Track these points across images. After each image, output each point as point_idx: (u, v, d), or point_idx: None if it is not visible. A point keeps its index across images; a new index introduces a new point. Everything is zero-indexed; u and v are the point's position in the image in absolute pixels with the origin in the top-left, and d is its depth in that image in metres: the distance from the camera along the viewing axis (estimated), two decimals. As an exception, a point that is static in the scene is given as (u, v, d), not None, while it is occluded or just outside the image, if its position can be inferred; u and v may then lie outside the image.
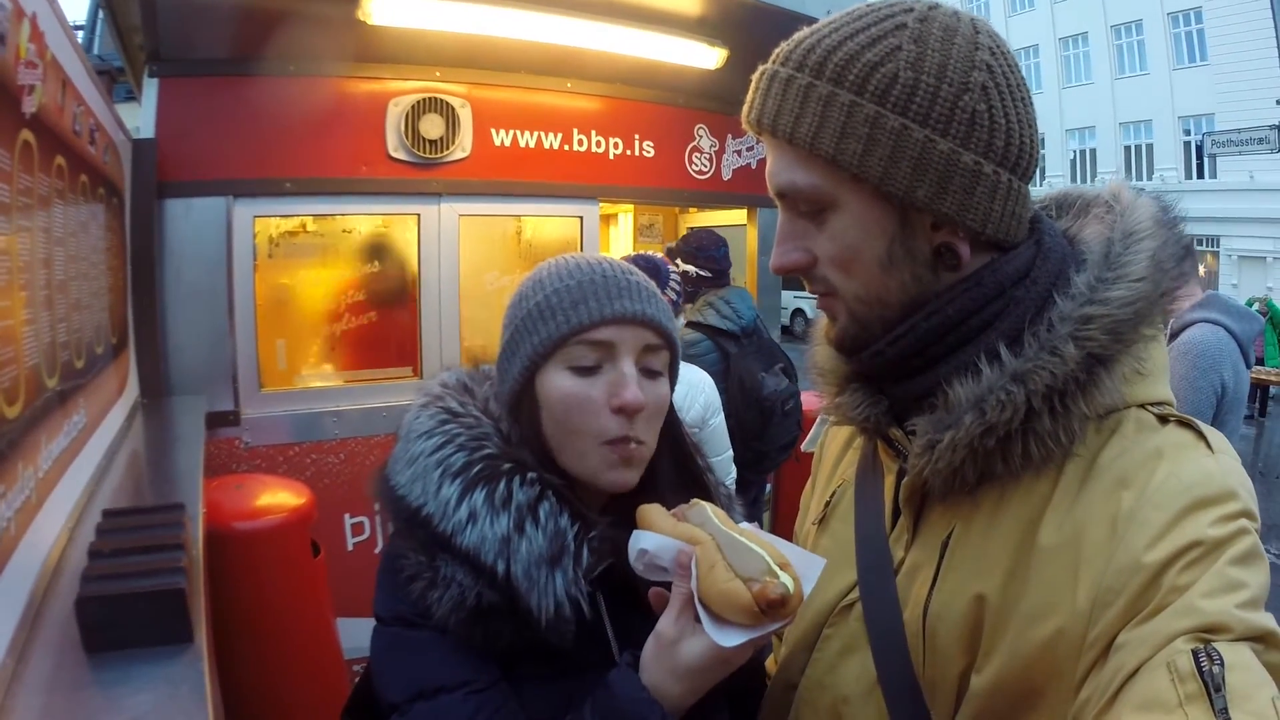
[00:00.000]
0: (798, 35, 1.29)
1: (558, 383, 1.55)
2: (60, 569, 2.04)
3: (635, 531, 1.43)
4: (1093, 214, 1.38)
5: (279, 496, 3.65)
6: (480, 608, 1.43)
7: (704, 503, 1.44)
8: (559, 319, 1.55)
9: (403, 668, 1.50)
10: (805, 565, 1.28)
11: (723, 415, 4.76)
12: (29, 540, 1.86)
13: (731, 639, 1.21)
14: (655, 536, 1.38)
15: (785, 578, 1.20)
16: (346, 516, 4.98)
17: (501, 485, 1.48)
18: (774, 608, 1.18)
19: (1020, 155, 1.25)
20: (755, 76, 1.33)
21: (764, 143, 1.35)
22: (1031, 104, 1.28)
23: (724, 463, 4.80)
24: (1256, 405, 14.42)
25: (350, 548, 4.97)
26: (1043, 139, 42.69)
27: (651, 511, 1.45)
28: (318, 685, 3.59)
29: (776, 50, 1.31)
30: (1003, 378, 1.17)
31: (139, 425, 3.77)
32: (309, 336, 5.24)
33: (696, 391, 4.58)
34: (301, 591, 3.57)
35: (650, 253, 5.33)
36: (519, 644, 1.45)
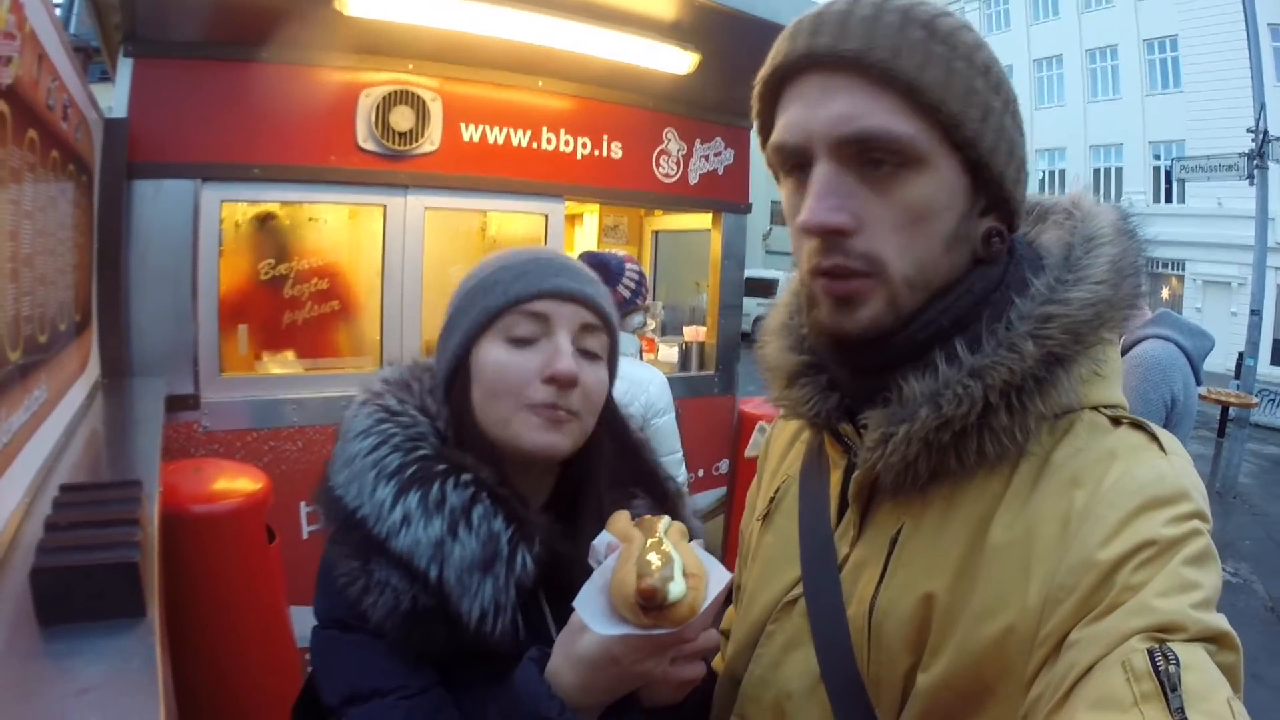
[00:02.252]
0: None
1: (493, 354, 1.55)
2: (16, 542, 2.03)
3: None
4: (1051, 220, 1.37)
5: (236, 481, 3.65)
6: (415, 612, 1.43)
7: (668, 518, 1.42)
8: (498, 292, 1.56)
9: (338, 671, 1.50)
10: (718, 584, 1.28)
11: (672, 415, 4.71)
12: (-13, 513, 1.86)
13: (608, 628, 1.23)
14: (604, 534, 1.40)
15: (680, 584, 1.20)
16: (302, 505, 4.97)
17: (435, 487, 1.47)
18: (649, 601, 1.18)
19: None
20: (827, 10, 1.19)
21: (819, 79, 1.18)
22: None
23: (673, 462, 4.75)
24: (1216, 426, 14.53)
25: (305, 535, 4.95)
26: (1013, 158, 43.24)
27: (616, 516, 1.45)
28: (269, 670, 3.58)
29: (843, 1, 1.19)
30: (959, 373, 1.17)
31: (99, 404, 3.75)
32: (271, 323, 5.24)
33: (639, 389, 4.51)
34: (255, 577, 3.56)
35: (602, 250, 5.35)
36: (457, 647, 1.45)
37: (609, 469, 1.71)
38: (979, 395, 1.14)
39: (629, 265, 4.86)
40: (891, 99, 1.14)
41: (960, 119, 1.15)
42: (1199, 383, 4.67)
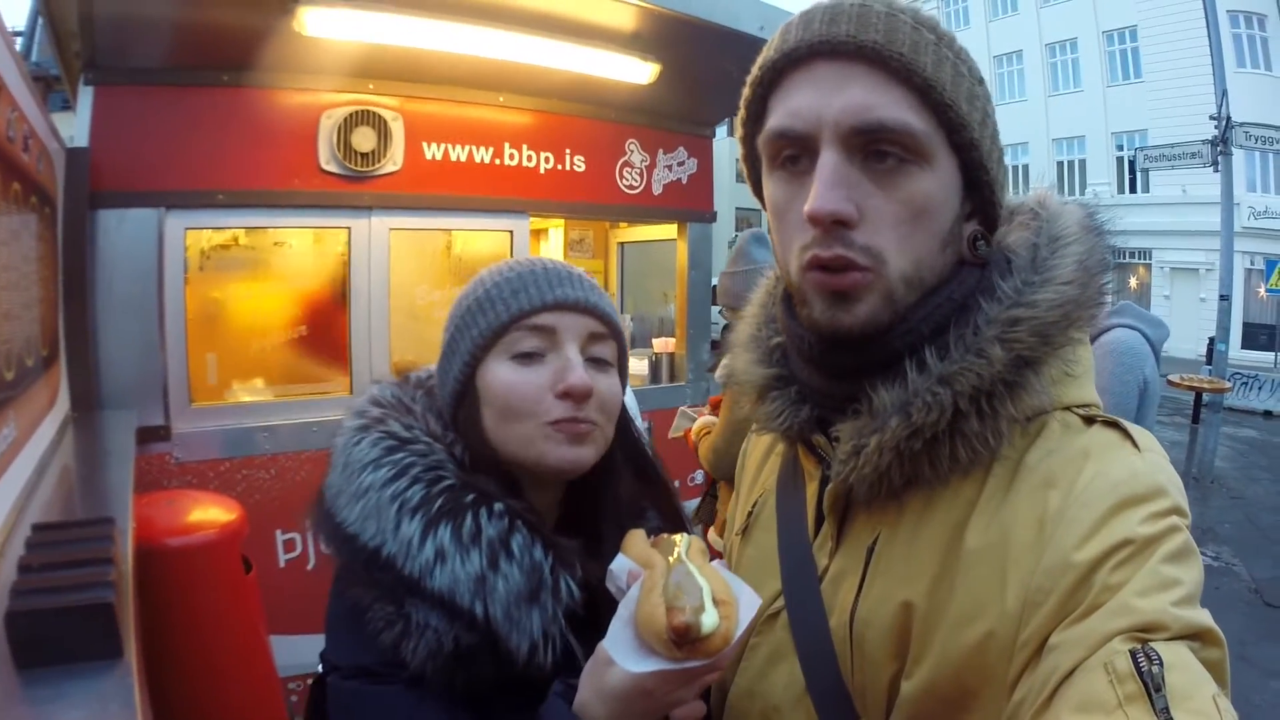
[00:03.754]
0: None
1: (500, 374, 1.49)
2: (-9, 584, 2.02)
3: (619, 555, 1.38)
4: (1017, 221, 1.34)
5: (210, 512, 3.60)
6: (459, 652, 1.35)
7: (687, 536, 1.37)
8: (499, 308, 1.51)
9: None
10: (749, 608, 1.22)
11: (643, 429, 4.59)
12: (-41, 556, 1.84)
13: (640, 664, 1.17)
14: (622, 559, 1.36)
15: (712, 615, 1.15)
16: (278, 533, 4.95)
17: (468, 519, 1.40)
18: (683, 638, 1.12)
19: None
20: (842, 2, 1.18)
21: (831, 68, 1.17)
22: None
23: None
24: (1190, 413, 14.62)
25: (282, 564, 4.93)
26: (977, 154, 43.50)
27: (632, 536, 1.41)
28: (252, 703, 3.55)
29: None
30: (929, 380, 1.16)
31: (70, 439, 3.71)
32: (239, 351, 5.20)
33: None
34: (234, 608, 3.53)
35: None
36: (499, 682, 1.37)
37: (626, 483, 1.68)
38: (948, 402, 1.13)
39: (588, 278, 4.83)
40: (906, 93, 1.14)
41: (967, 120, 1.16)
42: (1159, 371, 4.90)
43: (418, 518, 1.39)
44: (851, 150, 1.15)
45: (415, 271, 5.57)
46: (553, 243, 8.88)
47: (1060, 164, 40.18)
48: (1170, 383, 12.76)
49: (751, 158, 1.35)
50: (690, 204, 6.77)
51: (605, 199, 6.26)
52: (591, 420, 1.51)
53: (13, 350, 2.68)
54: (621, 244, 8.63)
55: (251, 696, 3.58)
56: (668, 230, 7.12)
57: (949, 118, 1.15)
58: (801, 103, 1.18)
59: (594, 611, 1.40)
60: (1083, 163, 39.28)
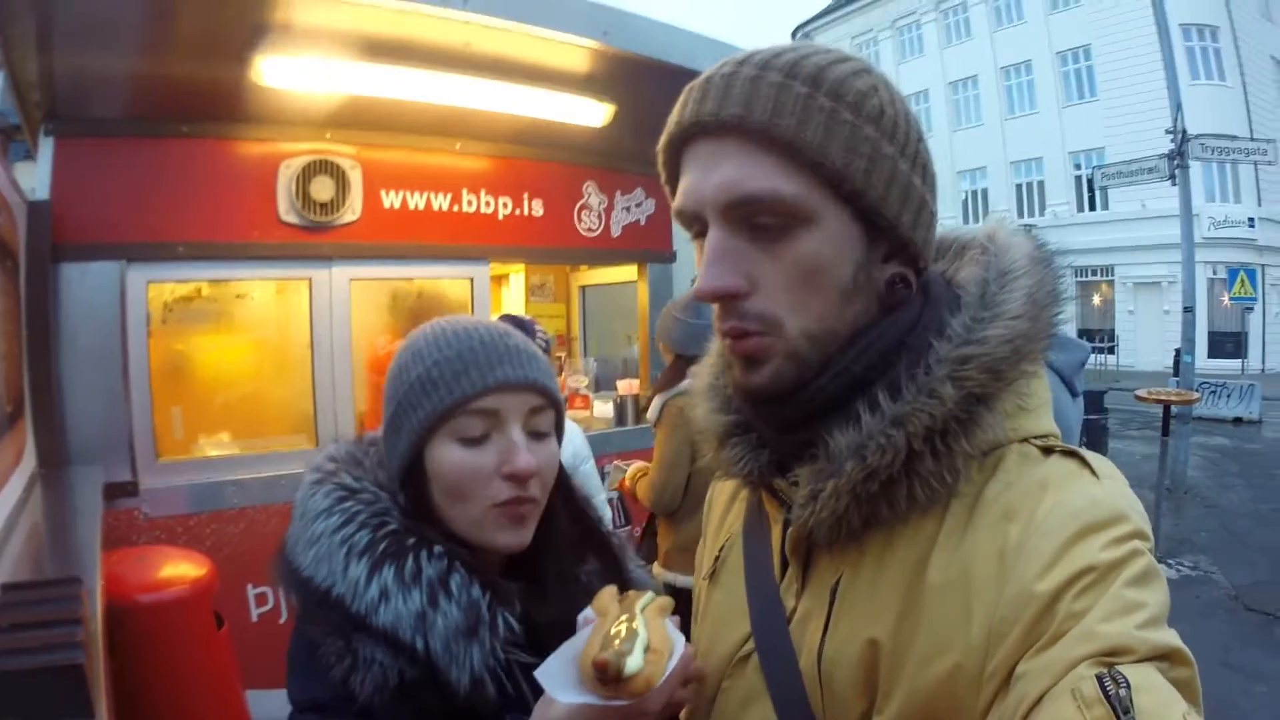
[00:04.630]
0: (754, 51, 1.21)
1: (447, 455, 1.53)
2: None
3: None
4: (968, 256, 1.35)
5: (181, 568, 3.60)
6: (403, 685, 1.42)
7: (651, 595, 1.45)
8: (441, 392, 1.53)
9: None
10: (677, 658, 1.30)
11: (592, 462, 4.98)
12: (-69, 616, 1.85)
13: (570, 696, 1.25)
14: (587, 609, 1.43)
15: (637, 659, 1.23)
16: (249, 587, 4.93)
17: (409, 560, 1.47)
18: (603, 674, 1.21)
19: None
20: (713, 78, 1.20)
21: (708, 146, 1.20)
22: None
23: (599, 504, 4.73)
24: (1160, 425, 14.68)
25: (255, 619, 4.90)
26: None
27: (602, 592, 1.46)
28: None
29: (733, 58, 1.21)
30: (882, 423, 1.15)
31: (37, 496, 3.70)
32: (205, 404, 5.20)
33: (566, 440, 4.43)
34: (207, 664, 3.52)
35: (517, 314, 5.41)
36: (445, 715, 1.43)
37: (564, 534, 1.73)
38: (902, 444, 1.13)
39: (537, 325, 5.00)
40: (775, 160, 1.14)
41: (843, 173, 1.14)
42: (1075, 393, 4.71)
43: (364, 560, 1.46)
44: (735, 223, 1.17)
45: (377, 320, 5.59)
46: (514, 288, 8.86)
47: (1019, 186, 40.57)
48: (1138, 397, 12.79)
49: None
50: (649, 244, 6.83)
51: (564, 242, 6.29)
52: (533, 498, 1.57)
53: (-22, 408, 2.68)
54: (583, 287, 8.64)
55: (226, 751, 3.56)
56: (628, 272, 7.16)
57: (823, 173, 1.14)
58: (688, 183, 1.22)
59: (541, 652, 1.41)
60: (1041, 184, 39.64)
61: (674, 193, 1.30)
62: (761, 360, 1.21)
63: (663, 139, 1.28)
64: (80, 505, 3.66)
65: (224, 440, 5.23)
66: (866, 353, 1.21)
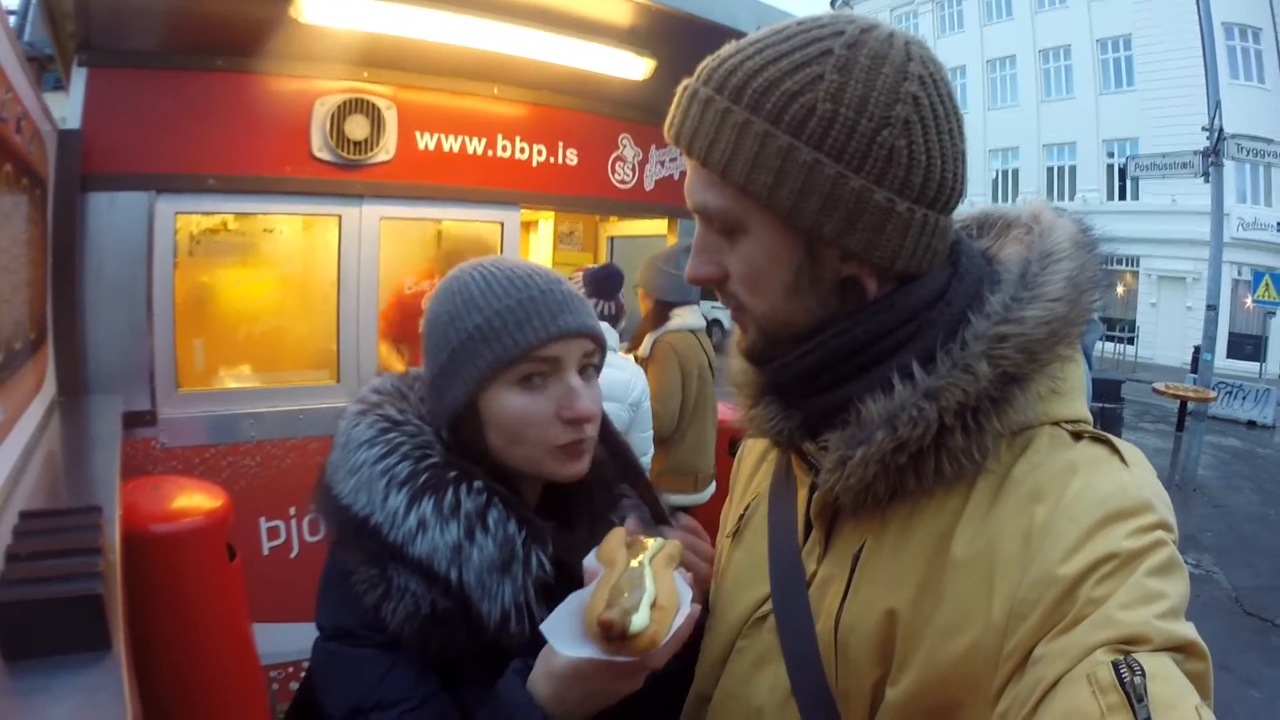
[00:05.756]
0: (723, 51, 1.26)
1: (507, 401, 1.57)
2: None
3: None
4: (1012, 234, 1.37)
5: (195, 499, 3.60)
6: (435, 615, 1.46)
7: (661, 540, 1.45)
8: (506, 342, 1.56)
9: (341, 684, 1.51)
10: (684, 616, 1.30)
11: (649, 399, 5.38)
12: (-53, 541, 1.83)
13: (573, 649, 1.26)
14: (591, 555, 1.44)
15: (642, 616, 1.23)
16: (262, 520, 4.93)
17: (449, 493, 1.51)
18: (608, 632, 1.22)
19: (941, 189, 1.22)
20: (679, 90, 1.29)
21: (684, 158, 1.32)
22: (960, 134, 1.25)
23: (647, 439, 5.42)
24: (1175, 421, 14.67)
25: (266, 552, 4.91)
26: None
27: (611, 534, 1.46)
28: (235, 690, 3.55)
29: (701, 65, 1.28)
30: (915, 395, 1.16)
31: (56, 423, 3.70)
32: (227, 337, 5.19)
33: (636, 378, 5.22)
34: (218, 596, 3.52)
35: (598, 266, 5.73)
36: (476, 648, 1.48)
37: (598, 470, 1.75)
38: (934, 417, 1.14)
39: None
40: (707, 175, 1.26)
41: (749, 187, 1.20)
42: (1090, 368, 4.90)
43: (404, 490, 1.51)
44: (706, 222, 1.31)
45: (405, 259, 5.56)
46: (542, 235, 8.93)
47: (1050, 169, 40.33)
48: (1156, 391, 12.81)
49: None
50: (681, 200, 6.51)
51: (597, 193, 6.26)
52: (591, 438, 1.64)
53: (2, 334, 2.68)
54: (611, 238, 8.64)
55: (233, 684, 3.57)
56: (658, 225, 7.15)
57: (744, 190, 1.21)
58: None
59: (568, 589, 1.44)
60: (1073, 169, 39.43)
61: None
62: (745, 329, 1.38)
63: None
64: (99, 434, 3.66)
65: (245, 373, 5.23)
66: (840, 337, 1.25)
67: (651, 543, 1.43)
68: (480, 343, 1.57)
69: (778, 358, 1.33)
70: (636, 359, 5.73)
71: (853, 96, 1.15)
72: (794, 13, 1.30)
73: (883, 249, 1.21)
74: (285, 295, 5.34)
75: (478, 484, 1.54)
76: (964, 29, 43.78)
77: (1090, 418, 1.25)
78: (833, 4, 48.60)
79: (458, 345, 1.60)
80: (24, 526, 2.10)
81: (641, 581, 1.30)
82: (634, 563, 1.35)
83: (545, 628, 1.30)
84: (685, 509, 3.32)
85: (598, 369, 1.70)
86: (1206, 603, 9.08)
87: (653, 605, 1.26)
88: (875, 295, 1.25)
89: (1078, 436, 1.18)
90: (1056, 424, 1.20)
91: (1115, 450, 1.16)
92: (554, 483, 1.71)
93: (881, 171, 1.17)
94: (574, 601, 1.35)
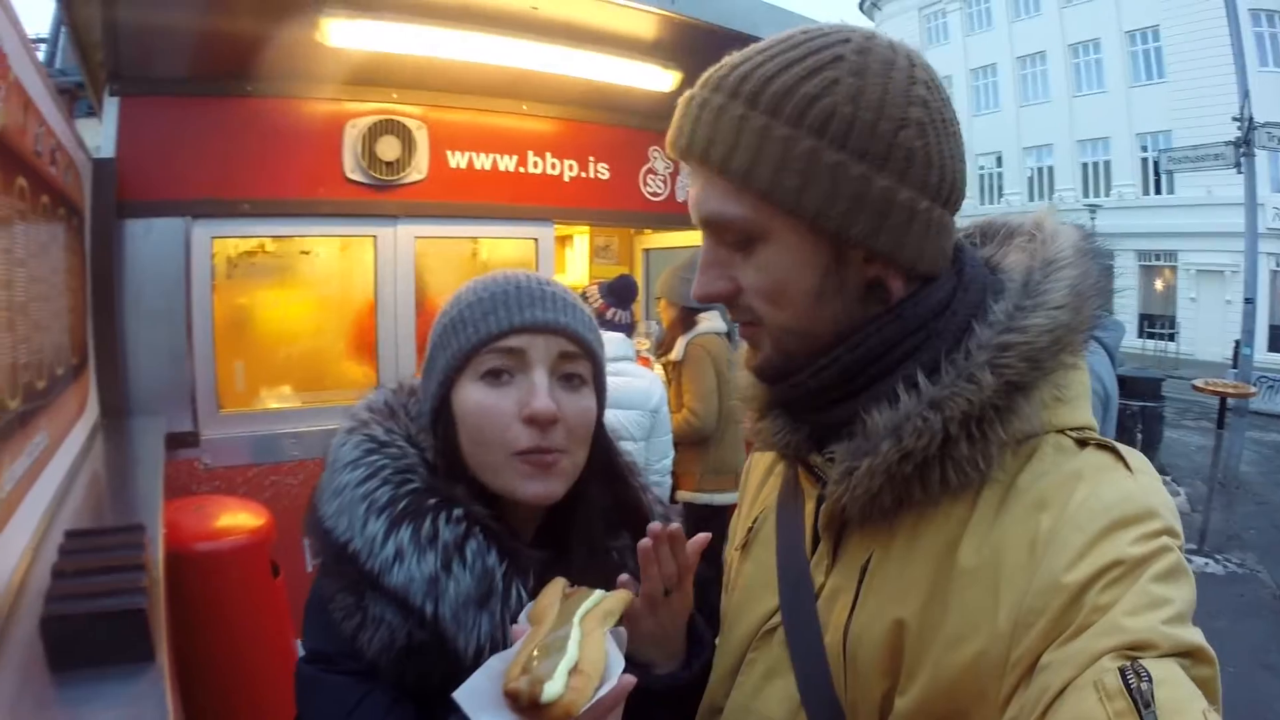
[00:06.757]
0: (729, 60, 1.25)
1: (470, 395, 1.52)
2: (25, 588, 2.06)
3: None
4: (1015, 243, 1.36)
5: (239, 518, 3.66)
6: (410, 647, 1.41)
7: (600, 593, 1.37)
8: (469, 330, 1.52)
9: (317, 709, 1.48)
10: (608, 686, 1.20)
11: (667, 407, 5.48)
12: (-6, 560, 1.88)
13: (486, 718, 1.16)
14: (523, 614, 1.37)
15: (556, 685, 1.13)
16: (306, 539, 4.93)
17: (427, 522, 1.45)
18: (514, 701, 1.14)
19: (951, 189, 1.24)
20: (682, 102, 1.27)
21: (690, 170, 1.27)
22: (960, 138, 1.27)
23: (667, 443, 5.50)
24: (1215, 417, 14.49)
25: (310, 569, 4.89)
26: (999, 157, 42.92)
27: (549, 586, 1.41)
28: (280, 704, 3.59)
29: (706, 75, 1.26)
30: (920, 405, 1.16)
31: (99, 446, 3.77)
32: (267, 358, 5.26)
33: (654, 385, 5.29)
34: (262, 612, 3.57)
35: (627, 276, 5.68)
36: (449, 680, 1.32)
37: (600, 501, 1.69)
38: (939, 427, 1.15)
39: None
40: (724, 184, 1.21)
41: (774, 192, 1.17)
42: (1116, 367, 4.97)
43: (383, 517, 1.44)
44: (714, 235, 1.26)
45: (441, 278, 5.61)
46: (578, 250, 8.92)
47: (1085, 165, 39.90)
48: (1195, 387, 12.64)
49: None
50: None
51: (629, 206, 6.31)
52: (559, 449, 1.52)
53: (44, 360, 2.73)
54: (647, 250, 8.58)
55: (279, 698, 3.60)
56: (693, 237, 7.00)
57: (772, 201, 1.18)
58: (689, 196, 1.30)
59: None
60: (1107, 164, 38.93)
61: None
62: (755, 345, 1.34)
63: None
64: (141, 455, 3.72)
65: (285, 393, 5.30)
66: (855, 351, 1.24)
67: (590, 598, 1.35)
68: (450, 334, 1.55)
69: (791, 374, 1.30)
70: (669, 363, 5.81)
71: (870, 99, 1.16)
72: (817, 20, 1.28)
73: (909, 248, 1.22)
74: (324, 315, 5.40)
75: (457, 512, 1.48)
76: (993, 26, 43.48)
77: (1095, 424, 1.25)
78: (861, 5, 48.44)
79: (435, 339, 1.60)
80: (70, 545, 2.15)
81: (564, 645, 1.21)
82: (559, 624, 1.27)
83: (460, 696, 1.19)
84: (729, 508, 3.33)
85: (586, 381, 1.61)
86: (1250, 601, 8.83)
87: (572, 671, 1.17)
88: (900, 297, 1.25)
89: (1082, 444, 1.19)
90: (1061, 431, 1.20)
91: (1120, 457, 1.16)
92: (555, 512, 1.64)
93: (903, 171, 1.18)
94: (495, 665, 1.24)
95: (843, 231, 1.18)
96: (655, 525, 1.46)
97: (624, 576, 1.48)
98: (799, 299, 1.23)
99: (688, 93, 1.28)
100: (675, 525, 1.47)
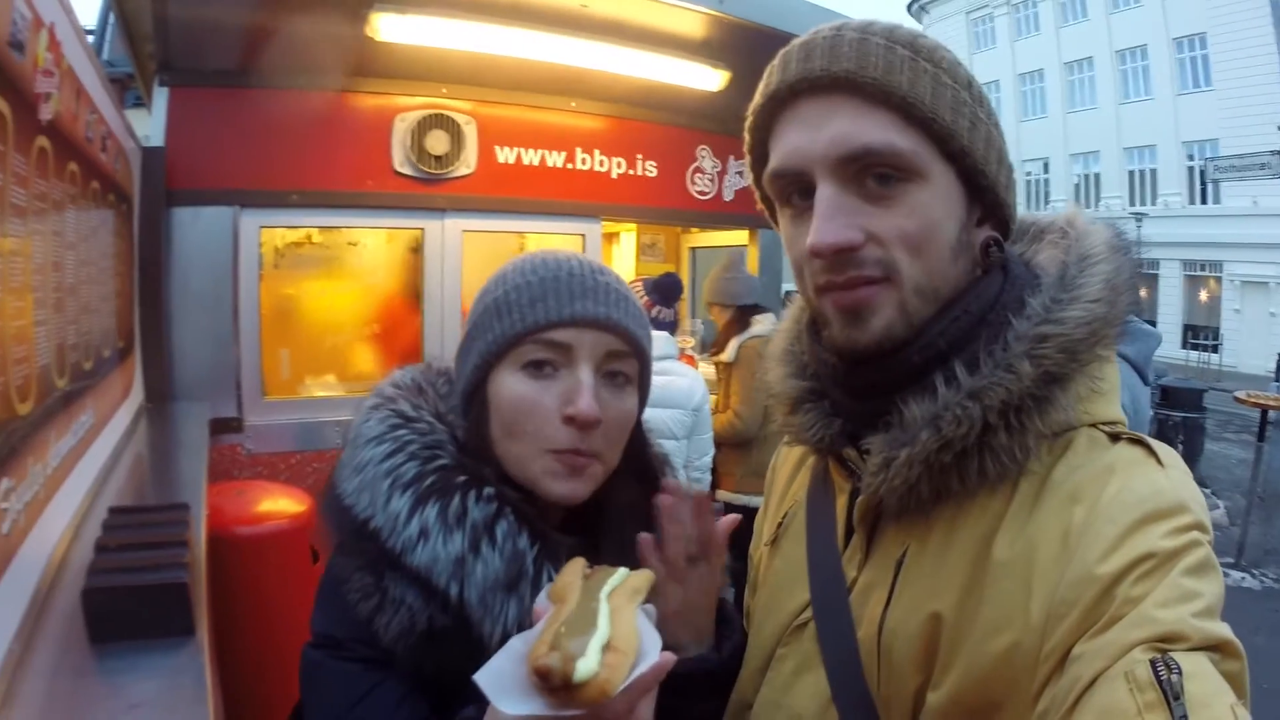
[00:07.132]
0: (854, 20, 1.24)
1: (509, 384, 1.44)
2: (66, 562, 2.09)
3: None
4: (1047, 240, 1.38)
5: (280, 503, 3.72)
6: (431, 633, 1.34)
7: (625, 571, 1.28)
8: (514, 316, 1.44)
9: (320, 696, 1.43)
10: (645, 664, 1.11)
11: (709, 405, 5.44)
12: (37, 533, 1.92)
13: (515, 705, 1.07)
14: (542, 594, 1.28)
15: (589, 662, 1.04)
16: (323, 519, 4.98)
17: (455, 500, 1.38)
18: (545, 680, 1.04)
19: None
20: (821, 36, 1.21)
21: (815, 104, 1.21)
22: None
23: (707, 441, 5.45)
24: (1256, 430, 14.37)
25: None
26: (1047, 163, 42.65)
27: (569, 565, 1.31)
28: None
29: (832, 24, 1.23)
30: (959, 395, 1.17)
31: (143, 429, 3.83)
32: (313, 347, 5.32)
33: (697, 384, 5.23)
34: (301, 597, 3.58)
35: (673, 273, 5.77)
36: (470, 670, 1.21)
37: (631, 502, 1.59)
38: (978, 416, 1.15)
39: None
40: (887, 115, 1.17)
41: (953, 130, 1.18)
42: (1147, 383, 4.70)
43: (408, 493, 1.38)
44: (846, 179, 1.18)
45: (488, 271, 5.55)
46: (625, 247, 8.96)
47: (1131, 173, 39.56)
48: (1237, 399, 12.55)
49: (765, 196, 1.38)
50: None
51: (677, 204, 6.31)
52: (594, 452, 1.45)
53: (91, 342, 2.78)
54: (693, 249, 8.67)
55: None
56: (739, 236, 7.15)
57: (934, 130, 1.17)
58: (791, 142, 1.22)
59: None
60: (1154, 172, 38.51)
61: (760, 160, 1.32)
62: (868, 313, 1.21)
63: (758, 99, 1.29)
64: (185, 439, 3.77)
65: (330, 382, 5.36)
66: (953, 326, 1.22)
67: (615, 575, 1.27)
68: (493, 316, 1.47)
69: (909, 342, 1.22)
70: (720, 364, 5.79)
71: (980, 86, 1.24)
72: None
73: (1013, 210, 1.29)
74: (370, 306, 5.45)
75: (488, 491, 1.40)
76: (1040, 31, 43.26)
77: (1125, 419, 1.26)
78: (909, 7, 48.35)
79: (476, 318, 1.52)
80: (113, 520, 2.18)
81: (594, 620, 1.12)
82: (587, 601, 1.18)
83: (480, 679, 1.10)
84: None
85: (631, 380, 1.53)
86: (1290, 619, 8.79)
87: (605, 648, 1.08)
88: (1003, 261, 1.28)
89: (1115, 438, 1.20)
90: (1094, 426, 1.21)
91: (1152, 452, 1.16)
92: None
93: (1006, 148, 1.25)
94: (517, 646, 1.15)
95: (994, 181, 1.22)
96: (672, 480, 1.46)
97: (645, 535, 1.45)
98: (942, 249, 1.21)
99: (813, 34, 1.23)
100: (698, 488, 1.45)
